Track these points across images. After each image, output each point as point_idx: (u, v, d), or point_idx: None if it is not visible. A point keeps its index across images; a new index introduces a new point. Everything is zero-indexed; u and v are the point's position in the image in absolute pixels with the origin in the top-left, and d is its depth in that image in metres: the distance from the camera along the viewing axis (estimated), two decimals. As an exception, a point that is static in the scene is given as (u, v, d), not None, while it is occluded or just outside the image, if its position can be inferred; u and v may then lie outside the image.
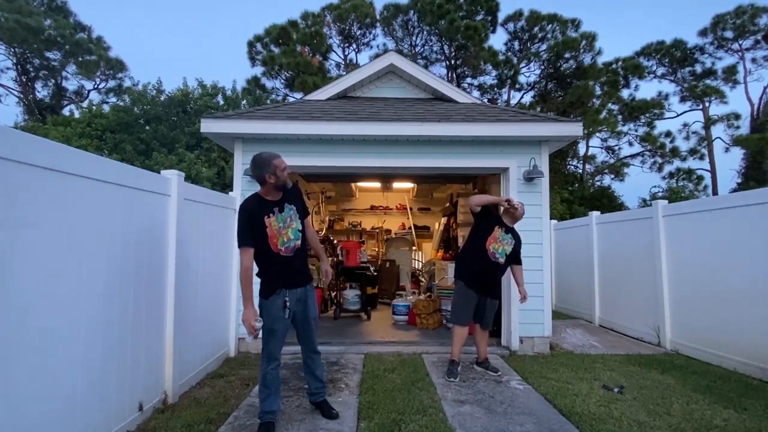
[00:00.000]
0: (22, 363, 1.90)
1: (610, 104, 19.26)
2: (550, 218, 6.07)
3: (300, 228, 2.79)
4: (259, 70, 18.56)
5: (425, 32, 18.92)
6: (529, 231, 4.93)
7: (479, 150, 5.08)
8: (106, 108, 17.51)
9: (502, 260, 3.97)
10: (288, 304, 2.71)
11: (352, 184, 9.49)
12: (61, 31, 19.20)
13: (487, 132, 4.92)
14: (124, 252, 2.71)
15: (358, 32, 19.61)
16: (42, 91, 21.36)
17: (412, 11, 18.38)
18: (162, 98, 16.98)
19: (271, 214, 2.69)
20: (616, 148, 21.19)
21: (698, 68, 20.90)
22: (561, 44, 17.80)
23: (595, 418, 3.02)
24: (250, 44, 18.59)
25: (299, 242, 2.78)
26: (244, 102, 17.47)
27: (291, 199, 2.80)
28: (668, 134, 20.77)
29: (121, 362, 2.66)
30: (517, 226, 4.15)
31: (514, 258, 4.11)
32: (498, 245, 3.94)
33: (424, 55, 19.30)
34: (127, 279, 2.74)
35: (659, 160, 20.97)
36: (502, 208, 4.10)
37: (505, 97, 19.27)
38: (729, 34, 19.87)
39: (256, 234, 2.64)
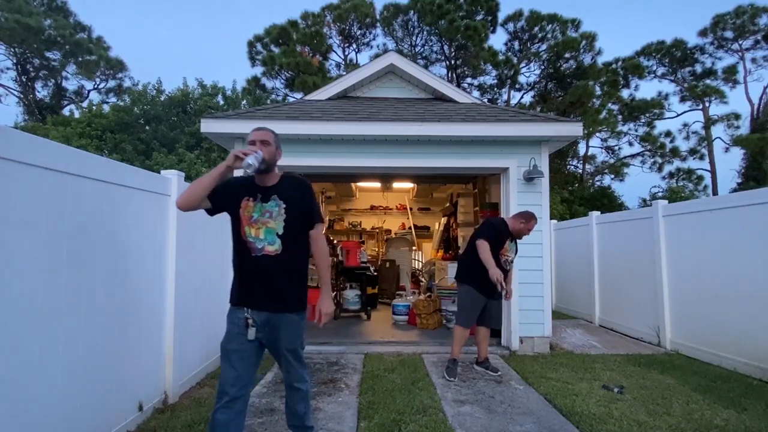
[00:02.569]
0: (22, 363, 1.90)
1: (610, 104, 19.27)
2: (550, 218, 6.07)
3: (282, 233, 2.06)
4: (259, 70, 18.58)
5: (425, 32, 18.93)
6: (529, 231, 4.95)
7: (479, 150, 5.08)
8: (106, 108, 17.52)
9: (510, 267, 4.14)
10: (251, 323, 2.06)
11: (352, 184, 9.50)
12: (61, 31, 19.21)
13: (487, 132, 4.92)
14: (125, 252, 2.71)
15: (358, 32, 19.62)
16: (42, 91, 21.39)
17: (412, 11, 18.38)
18: (162, 98, 16.99)
19: (251, 198, 2.11)
20: (616, 148, 21.22)
21: (698, 68, 20.90)
22: (561, 44, 17.81)
23: (595, 418, 3.02)
24: (250, 44, 18.60)
25: (279, 251, 2.05)
26: (244, 102, 17.47)
27: (287, 195, 2.13)
28: (668, 134, 20.79)
29: (121, 362, 2.66)
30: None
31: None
32: (508, 255, 4.07)
33: (424, 55, 19.31)
34: (127, 279, 2.74)
35: (659, 160, 20.99)
36: (520, 229, 4.07)
37: (505, 97, 19.28)
38: (729, 34, 19.87)
39: (226, 200, 2.12)
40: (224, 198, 2.13)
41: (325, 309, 2.18)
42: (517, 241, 4.20)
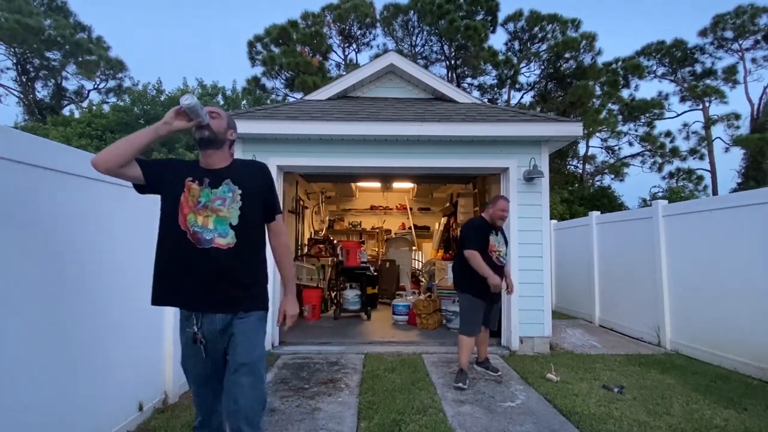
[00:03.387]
0: (23, 363, 1.90)
1: (610, 104, 19.27)
2: (550, 218, 6.07)
3: (237, 224, 1.73)
4: (259, 70, 18.58)
5: (425, 32, 18.93)
6: (529, 231, 4.94)
7: (479, 150, 5.08)
8: (106, 108, 17.54)
9: (505, 261, 3.97)
10: (200, 338, 1.72)
11: (352, 184, 9.50)
12: (61, 31, 19.21)
13: (487, 132, 4.92)
14: (124, 250, 2.71)
15: (358, 32, 19.62)
16: (42, 91, 21.39)
17: (412, 11, 18.39)
18: (162, 98, 17.00)
19: (197, 181, 1.75)
20: (616, 148, 21.22)
21: (698, 68, 20.90)
22: (561, 44, 17.82)
23: (595, 418, 3.01)
24: (250, 44, 18.60)
25: (232, 244, 1.71)
26: (244, 102, 17.49)
27: (241, 180, 1.79)
28: (668, 134, 20.80)
29: (121, 362, 2.66)
30: (516, 227, 4.25)
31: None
32: (498, 250, 3.88)
33: (424, 55, 19.31)
34: (127, 278, 2.74)
35: (659, 160, 20.99)
36: (493, 214, 3.90)
37: (505, 97, 19.28)
38: (729, 34, 19.87)
39: (165, 177, 1.77)
40: (162, 173, 1.77)
41: (291, 311, 1.93)
42: (505, 233, 4.09)
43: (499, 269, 3.86)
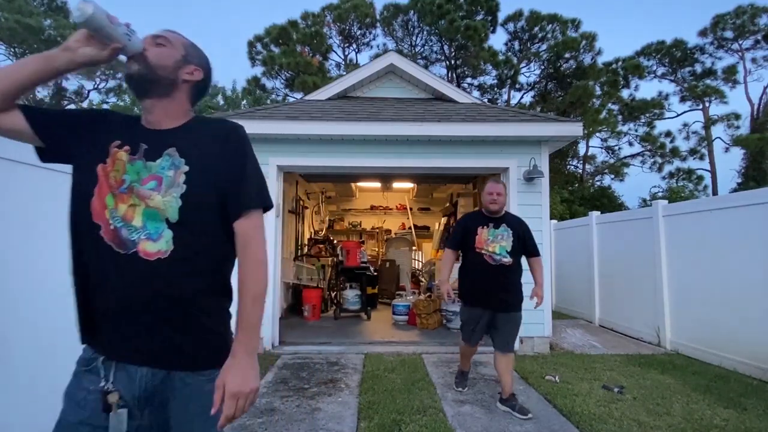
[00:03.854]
0: (24, 365, 1.90)
1: (610, 104, 19.27)
2: (550, 218, 6.07)
3: (177, 220, 1.06)
4: (259, 70, 18.59)
5: (425, 32, 18.94)
6: (529, 231, 4.95)
7: (479, 150, 5.08)
8: (106, 108, 17.52)
9: (507, 259, 3.15)
10: (114, 401, 1.03)
11: (352, 184, 9.50)
12: (61, 31, 19.19)
13: (487, 132, 4.92)
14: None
15: (358, 32, 19.62)
16: (42, 91, 21.34)
17: (412, 11, 18.39)
18: (162, 98, 17.00)
19: (127, 147, 1.10)
20: (616, 148, 21.22)
21: (698, 68, 20.89)
22: (561, 44, 17.82)
23: (595, 418, 3.01)
24: (250, 44, 18.61)
25: (166, 253, 1.05)
26: (244, 102, 17.50)
27: (193, 149, 1.11)
28: (668, 134, 20.79)
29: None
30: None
31: (526, 250, 3.28)
32: (492, 245, 3.16)
33: (424, 55, 19.32)
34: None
35: (659, 160, 20.98)
36: (483, 201, 3.33)
37: (505, 97, 19.28)
38: (729, 34, 19.86)
39: (75, 135, 1.12)
40: (74, 131, 1.12)
41: (240, 386, 1.02)
42: (522, 224, 3.29)
43: (495, 271, 3.14)
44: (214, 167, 1.11)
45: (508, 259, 3.16)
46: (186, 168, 1.08)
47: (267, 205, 1.16)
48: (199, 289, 1.09)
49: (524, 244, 3.24)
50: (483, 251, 3.17)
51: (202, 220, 1.09)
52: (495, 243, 3.17)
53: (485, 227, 3.21)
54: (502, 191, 3.19)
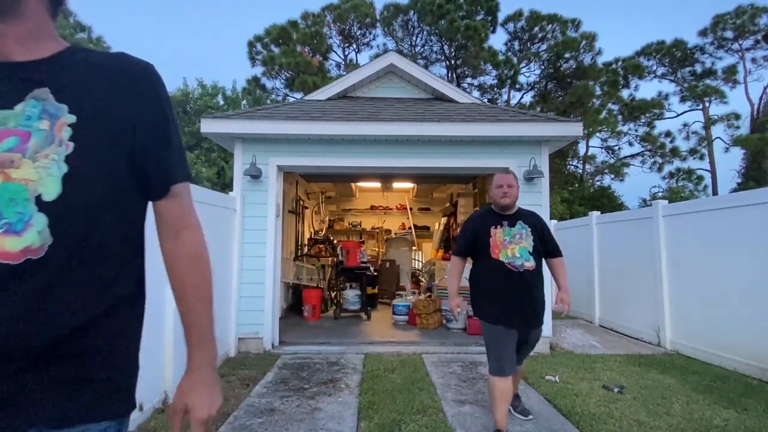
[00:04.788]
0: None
1: (610, 104, 19.28)
2: (550, 218, 6.07)
3: (57, 199, 0.67)
4: (259, 70, 18.58)
5: (425, 32, 18.93)
6: (529, 231, 4.95)
7: (479, 150, 5.08)
8: None
9: (530, 264, 2.62)
10: None
11: (352, 184, 9.50)
12: (61, 31, 19.21)
13: (486, 132, 4.92)
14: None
15: (358, 32, 19.62)
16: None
17: (412, 11, 18.39)
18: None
19: None
20: (616, 148, 21.22)
21: (698, 68, 20.91)
22: (561, 44, 17.82)
23: (595, 418, 3.01)
24: (250, 44, 18.60)
25: (40, 250, 0.66)
26: (244, 102, 17.49)
27: (79, 94, 0.73)
28: (668, 134, 20.79)
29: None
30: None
31: (546, 250, 2.83)
32: (511, 248, 2.64)
33: (424, 55, 19.31)
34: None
35: (659, 160, 20.99)
36: (492, 196, 2.83)
37: (505, 97, 19.28)
38: (729, 34, 19.87)
39: None
40: None
41: (202, 408, 0.84)
42: (539, 219, 2.84)
43: (519, 280, 2.59)
44: (119, 119, 0.75)
45: (531, 263, 2.62)
46: (71, 118, 0.72)
47: (187, 177, 0.88)
48: (88, 301, 0.72)
49: (543, 242, 2.75)
50: (501, 257, 2.61)
51: (99, 197, 0.73)
52: (513, 245, 2.62)
53: (498, 227, 2.68)
54: (513, 182, 2.73)
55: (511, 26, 19.03)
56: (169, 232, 0.85)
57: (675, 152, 20.45)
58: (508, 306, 2.59)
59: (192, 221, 0.88)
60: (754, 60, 20.18)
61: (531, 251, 2.65)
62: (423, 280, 8.83)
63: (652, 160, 21.08)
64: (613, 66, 19.84)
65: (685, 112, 21.35)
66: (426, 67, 16.80)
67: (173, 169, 0.84)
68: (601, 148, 21.28)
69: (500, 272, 2.60)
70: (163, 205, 0.84)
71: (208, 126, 4.84)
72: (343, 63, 19.64)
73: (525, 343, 2.73)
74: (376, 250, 10.72)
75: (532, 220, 2.78)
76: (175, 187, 0.84)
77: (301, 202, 7.94)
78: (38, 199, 0.68)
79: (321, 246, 7.91)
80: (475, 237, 2.74)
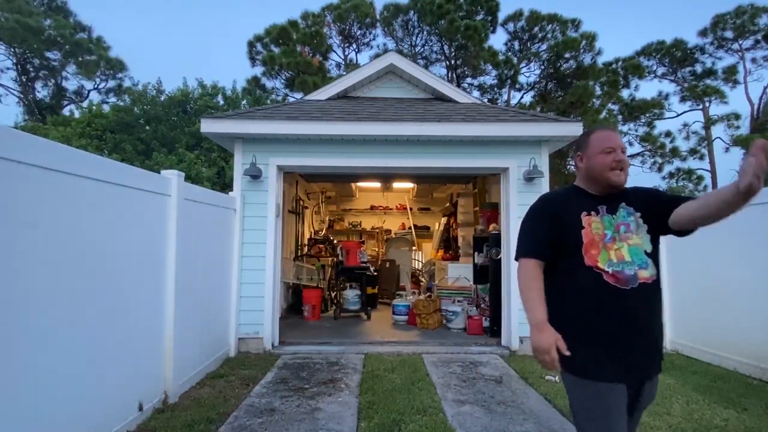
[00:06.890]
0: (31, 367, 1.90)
1: (610, 104, 19.25)
2: (550, 218, 6.06)
3: None
4: (259, 70, 18.56)
5: (425, 32, 18.91)
6: (529, 231, 4.94)
7: (479, 150, 5.08)
8: (106, 108, 17.53)
9: (647, 273, 1.53)
10: None
11: (352, 184, 9.50)
12: (61, 31, 19.21)
13: (487, 132, 4.92)
14: (121, 252, 2.71)
15: (358, 32, 19.60)
16: (42, 91, 21.38)
17: (412, 11, 18.37)
18: (162, 98, 17.00)
19: None
20: (616, 148, 21.17)
21: (698, 68, 20.90)
22: (561, 44, 17.80)
23: (595, 418, 3.01)
24: (250, 44, 18.59)
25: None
26: (244, 102, 17.47)
27: None
28: (668, 134, 20.76)
29: (121, 362, 2.66)
30: (516, 228, 3.98)
31: (666, 213, 1.55)
32: (616, 248, 1.55)
33: (424, 55, 19.30)
34: (127, 279, 2.74)
35: (659, 160, 20.96)
36: (589, 167, 1.64)
37: (505, 97, 19.27)
38: (729, 34, 19.87)
39: None
40: None
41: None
42: (651, 192, 1.71)
43: (633, 300, 1.50)
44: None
45: (649, 272, 1.54)
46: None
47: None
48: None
49: (663, 213, 1.56)
50: (600, 263, 1.53)
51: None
52: (620, 242, 1.56)
53: (593, 214, 1.60)
54: (625, 146, 1.66)
55: (511, 26, 19.02)
56: None
57: (675, 152, 20.43)
58: (614, 346, 1.51)
59: None
60: (754, 60, 20.19)
61: (649, 251, 1.57)
62: (423, 280, 8.83)
63: (652, 160, 21.06)
64: (613, 66, 19.81)
65: (685, 112, 21.37)
66: (426, 67, 16.80)
67: None
68: (601, 148, 21.25)
69: (600, 289, 1.52)
70: None
71: (208, 126, 4.84)
72: (343, 63, 19.63)
73: (634, 407, 1.57)
74: (376, 250, 10.71)
75: (642, 199, 1.65)
76: None
77: (301, 202, 7.94)
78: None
79: (321, 246, 7.91)
80: (555, 227, 1.60)
